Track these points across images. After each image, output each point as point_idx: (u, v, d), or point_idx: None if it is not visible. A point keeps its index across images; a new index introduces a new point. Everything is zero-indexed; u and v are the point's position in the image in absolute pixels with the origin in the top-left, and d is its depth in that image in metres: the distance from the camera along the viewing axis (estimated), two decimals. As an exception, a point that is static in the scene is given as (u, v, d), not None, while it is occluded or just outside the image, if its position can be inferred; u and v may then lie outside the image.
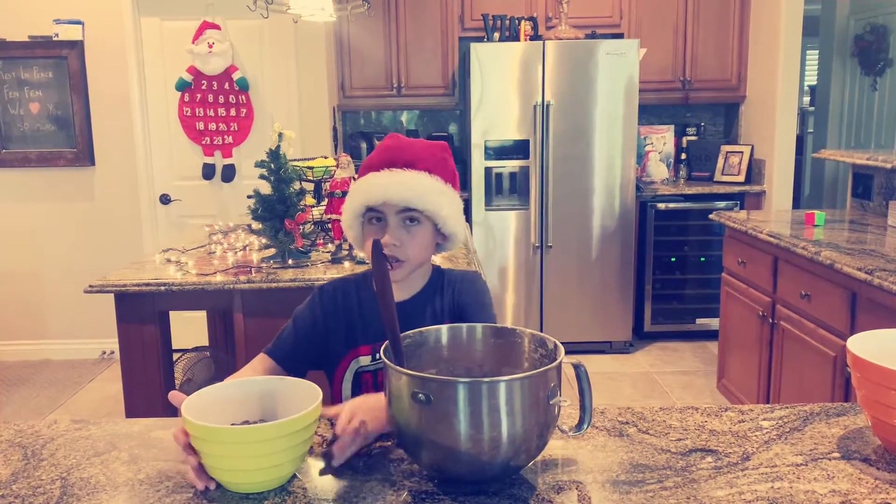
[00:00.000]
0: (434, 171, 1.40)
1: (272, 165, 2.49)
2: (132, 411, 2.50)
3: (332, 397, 1.48)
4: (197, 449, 1.02)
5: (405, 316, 1.43)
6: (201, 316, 3.49)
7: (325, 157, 3.10)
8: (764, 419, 1.24)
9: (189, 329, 3.58)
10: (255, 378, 1.19)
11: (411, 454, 1.05)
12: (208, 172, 4.44)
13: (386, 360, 1.04)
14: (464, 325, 1.19)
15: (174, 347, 2.71)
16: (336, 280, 1.54)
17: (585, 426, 1.11)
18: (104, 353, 4.58)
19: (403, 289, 1.45)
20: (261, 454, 0.99)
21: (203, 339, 3.47)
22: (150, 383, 2.49)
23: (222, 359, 3.11)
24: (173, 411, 2.69)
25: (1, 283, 4.54)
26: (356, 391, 1.44)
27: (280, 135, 2.52)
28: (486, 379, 0.98)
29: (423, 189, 1.37)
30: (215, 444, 0.99)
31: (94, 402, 3.94)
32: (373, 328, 1.43)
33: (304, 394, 1.08)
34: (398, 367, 1.01)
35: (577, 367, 1.08)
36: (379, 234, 1.38)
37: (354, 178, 2.55)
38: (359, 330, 1.45)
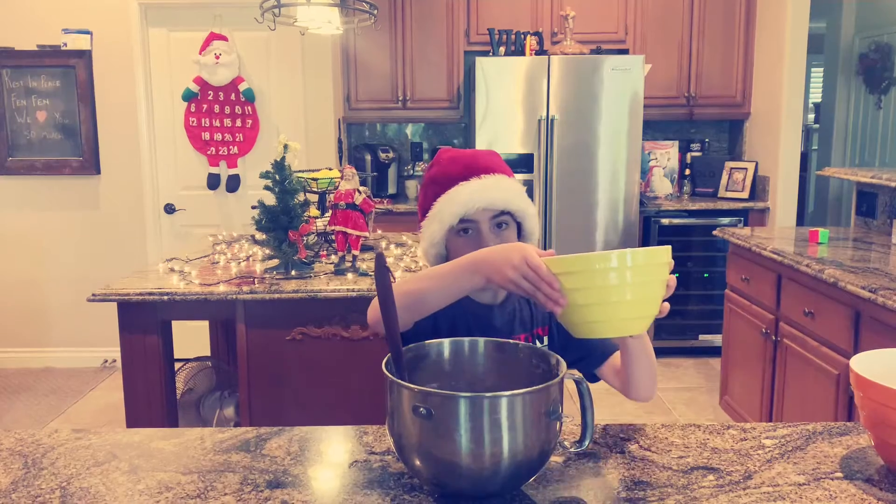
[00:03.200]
0: (509, 174, 1.44)
1: (277, 176, 2.50)
2: (133, 420, 2.49)
3: None
4: (570, 291, 1.06)
5: (498, 319, 1.43)
6: (204, 325, 3.49)
7: (330, 169, 3.11)
8: (766, 437, 1.23)
9: (191, 338, 3.58)
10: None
11: (412, 468, 1.05)
12: (213, 182, 4.45)
13: (387, 373, 1.04)
14: (465, 340, 1.19)
15: (176, 357, 2.71)
16: None
17: (587, 442, 1.11)
18: (106, 361, 4.58)
19: (496, 293, 1.46)
20: (630, 284, 1.03)
21: (205, 349, 3.47)
22: (151, 392, 2.49)
23: (224, 369, 3.11)
24: (174, 421, 2.67)
25: (4, 290, 4.55)
26: None
27: (285, 146, 2.53)
28: (488, 394, 0.97)
29: (515, 191, 1.41)
30: (586, 275, 1.04)
31: (95, 410, 3.94)
32: (466, 325, 1.41)
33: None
34: (400, 381, 1.01)
35: (578, 382, 1.08)
36: (473, 244, 1.38)
37: (359, 191, 2.56)
38: (461, 327, 1.41)
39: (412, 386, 1.00)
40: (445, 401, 0.97)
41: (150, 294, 2.39)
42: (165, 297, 2.38)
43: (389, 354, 1.08)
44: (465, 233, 1.41)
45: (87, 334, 4.55)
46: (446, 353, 1.17)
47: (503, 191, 1.39)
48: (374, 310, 1.32)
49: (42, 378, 4.41)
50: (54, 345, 4.61)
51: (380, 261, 1.04)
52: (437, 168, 1.45)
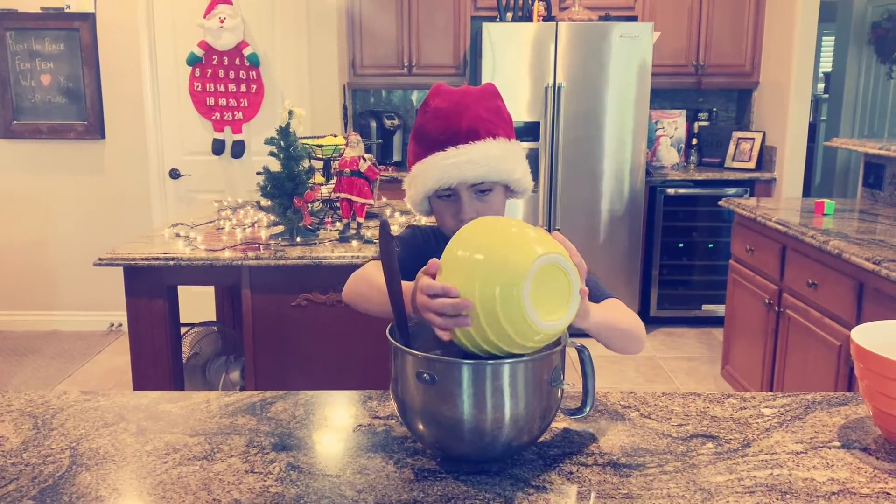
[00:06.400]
0: (496, 130, 1.36)
1: (282, 143, 2.49)
2: (140, 384, 2.53)
3: None
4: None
5: None
6: (210, 290, 3.52)
7: (335, 136, 3.10)
8: (766, 407, 1.25)
9: (197, 303, 3.60)
10: None
11: (415, 433, 1.06)
12: (218, 148, 4.44)
13: (392, 340, 1.05)
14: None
15: (182, 321, 2.73)
16: (412, 226, 1.53)
17: (588, 409, 1.12)
18: (112, 325, 4.62)
19: None
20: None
21: (211, 314, 3.49)
22: (157, 356, 2.51)
23: (229, 334, 3.13)
24: (180, 384, 2.68)
25: (11, 254, 4.58)
26: None
27: (290, 112, 2.52)
28: (490, 361, 0.98)
29: (495, 161, 1.33)
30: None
31: (101, 373, 3.99)
32: None
33: None
34: (404, 348, 1.02)
35: (580, 350, 1.09)
36: (453, 209, 1.37)
37: (364, 159, 2.56)
38: None
39: (416, 352, 1.01)
40: (448, 367, 0.98)
41: (156, 259, 2.40)
42: (171, 263, 2.39)
43: (394, 322, 1.09)
44: (447, 197, 1.38)
45: (94, 298, 4.58)
46: (450, 320, 1.18)
47: (479, 165, 1.32)
48: (350, 286, 1.39)
49: (50, 341, 4.46)
50: (61, 308, 4.65)
51: (384, 228, 1.04)
52: (422, 120, 1.39)
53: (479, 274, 0.97)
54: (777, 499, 0.96)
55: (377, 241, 1.71)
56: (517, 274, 0.95)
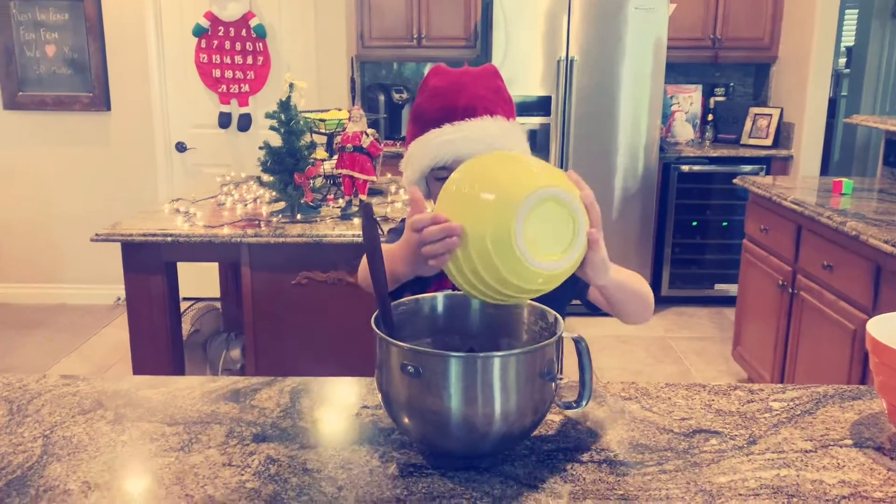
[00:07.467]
0: (495, 109, 1.33)
1: (282, 117, 2.43)
2: (139, 360, 2.50)
3: None
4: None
5: None
6: (214, 266, 3.48)
7: (339, 110, 3.03)
8: (774, 400, 1.18)
9: (202, 278, 3.57)
10: None
11: (401, 427, 1.01)
12: (224, 121, 4.38)
13: (376, 330, 0.99)
14: (460, 294, 1.14)
15: (186, 296, 2.70)
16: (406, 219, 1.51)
17: (585, 402, 1.06)
18: (119, 299, 4.60)
19: None
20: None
21: (216, 289, 3.46)
22: (156, 333, 2.48)
23: (231, 310, 3.10)
24: (180, 362, 2.64)
25: (17, 226, 4.56)
26: None
27: (291, 85, 2.45)
28: (481, 354, 0.93)
29: (492, 138, 1.30)
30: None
31: (107, 347, 3.98)
32: None
33: None
34: (388, 338, 0.96)
35: (577, 341, 1.03)
36: None
37: (366, 134, 2.49)
38: None
39: (400, 343, 0.95)
40: (435, 360, 0.93)
41: (154, 235, 2.35)
42: (169, 239, 2.35)
43: (378, 310, 1.03)
44: (445, 179, 1.35)
45: (101, 271, 4.56)
46: (440, 307, 1.12)
47: (475, 142, 1.29)
48: (361, 269, 1.32)
49: (57, 314, 4.45)
50: (68, 281, 4.64)
51: (367, 211, 0.98)
52: (420, 99, 1.37)
53: (470, 209, 0.93)
54: (783, 502, 0.90)
55: (380, 219, 1.66)
56: (510, 207, 0.90)
